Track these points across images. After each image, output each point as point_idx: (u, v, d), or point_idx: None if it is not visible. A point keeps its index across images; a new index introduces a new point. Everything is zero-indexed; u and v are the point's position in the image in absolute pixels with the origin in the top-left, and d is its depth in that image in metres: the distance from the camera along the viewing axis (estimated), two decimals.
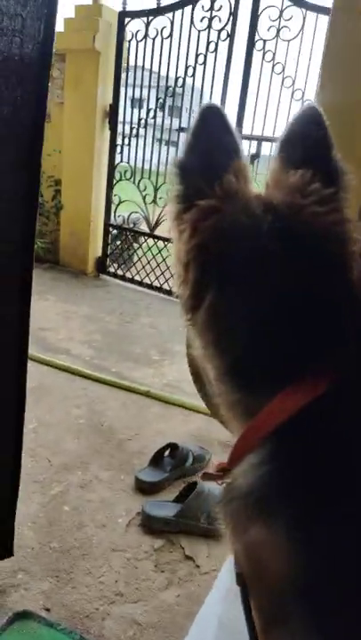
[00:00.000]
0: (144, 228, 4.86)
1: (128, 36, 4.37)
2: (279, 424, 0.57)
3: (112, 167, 4.75)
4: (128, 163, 4.66)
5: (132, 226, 5.00)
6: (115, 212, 4.93)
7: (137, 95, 4.52)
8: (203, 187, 0.63)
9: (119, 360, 3.22)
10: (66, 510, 1.85)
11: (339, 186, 0.64)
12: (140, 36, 4.26)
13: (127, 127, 4.64)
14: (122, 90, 4.53)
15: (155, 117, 4.43)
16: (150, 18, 4.19)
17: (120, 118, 4.64)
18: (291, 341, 0.60)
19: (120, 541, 1.75)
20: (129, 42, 4.37)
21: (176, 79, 4.21)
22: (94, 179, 4.75)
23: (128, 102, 4.60)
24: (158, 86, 4.36)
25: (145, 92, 4.46)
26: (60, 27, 4.54)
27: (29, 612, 1.43)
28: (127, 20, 4.34)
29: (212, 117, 0.66)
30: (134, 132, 4.55)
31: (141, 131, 4.52)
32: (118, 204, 4.88)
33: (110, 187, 4.82)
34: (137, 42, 4.29)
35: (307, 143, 0.66)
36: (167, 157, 4.54)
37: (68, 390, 2.77)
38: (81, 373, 2.93)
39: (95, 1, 4.49)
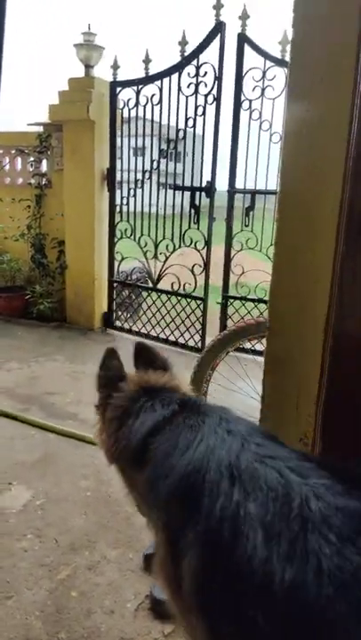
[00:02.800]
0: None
1: (120, 104, 4.59)
2: None
3: (112, 226, 4.89)
4: (128, 221, 4.80)
5: (135, 278, 5.10)
6: (118, 269, 5.04)
7: (132, 161, 4.71)
8: (108, 391, 1.29)
9: None
10: (74, 596, 1.82)
11: (169, 369, 1.35)
12: (131, 103, 4.48)
13: (125, 188, 4.82)
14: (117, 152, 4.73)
15: (150, 178, 4.58)
16: (140, 86, 4.41)
17: (119, 178, 4.84)
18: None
19: (129, 629, 1.71)
20: (121, 109, 4.59)
21: (168, 142, 4.38)
22: (96, 238, 4.90)
23: (125, 166, 4.79)
24: (152, 149, 4.53)
25: (138, 159, 4.65)
26: (55, 99, 4.80)
27: None
28: (118, 89, 4.58)
29: (111, 355, 1.35)
30: (132, 192, 4.71)
31: (138, 191, 4.68)
32: (121, 261, 5.00)
33: (112, 244, 4.96)
34: (129, 109, 4.50)
35: (145, 357, 1.38)
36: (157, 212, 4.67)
37: (75, 458, 2.77)
38: (88, 440, 2.93)
39: (87, 73, 4.75)
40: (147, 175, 4.58)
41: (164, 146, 4.45)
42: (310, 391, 1.10)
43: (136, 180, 4.66)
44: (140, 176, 4.63)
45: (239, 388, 2.59)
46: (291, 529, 0.71)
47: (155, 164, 4.52)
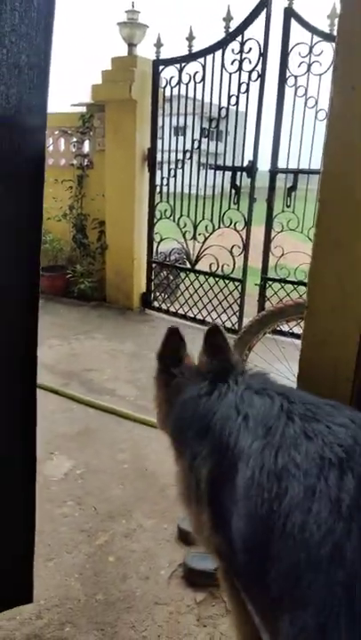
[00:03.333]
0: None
1: (163, 82, 4.56)
2: None
3: (152, 207, 4.91)
4: (167, 202, 4.80)
5: (173, 259, 5.13)
6: (157, 249, 5.08)
7: (172, 141, 4.69)
8: (167, 368, 1.43)
9: None
10: (111, 561, 1.92)
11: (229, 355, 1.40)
12: (174, 82, 4.44)
13: (165, 168, 4.82)
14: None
15: (191, 158, 4.56)
16: (183, 64, 4.36)
17: (159, 158, 4.84)
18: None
19: (163, 594, 1.78)
20: (164, 88, 4.56)
21: (210, 120, 4.34)
22: (136, 218, 4.94)
23: (166, 146, 4.78)
24: (193, 128, 4.49)
25: (179, 138, 4.62)
26: (97, 79, 4.82)
27: None
28: (161, 67, 4.54)
29: (172, 334, 1.44)
30: (172, 172, 4.71)
31: (178, 171, 4.67)
32: (160, 242, 5.03)
33: (151, 225, 4.99)
34: (171, 88, 4.47)
35: (214, 342, 1.41)
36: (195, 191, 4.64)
37: (114, 433, 2.86)
38: (125, 415, 3.02)
39: (130, 52, 4.73)
40: (187, 155, 4.56)
41: (205, 125, 4.41)
42: (347, 371, 1.11)
43: (177, 161, 4.64)
44: (180, 156, 4.61)
45: (276, 370, 2.59)
46: (271, 423, 1.02)
47: (195, 144, 4.49)
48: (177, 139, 4.67)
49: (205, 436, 1.16)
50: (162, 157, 4.87)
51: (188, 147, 4.54)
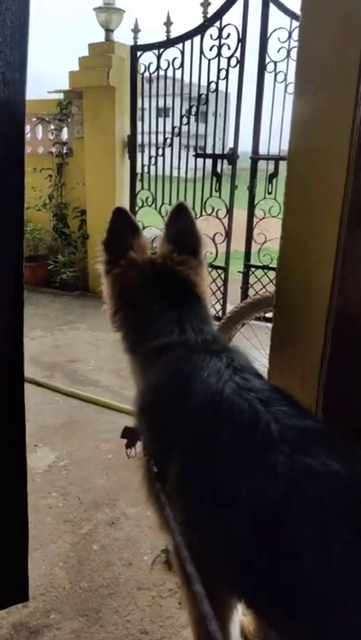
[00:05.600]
0: None
1: (141, 68, 4.51)
2: None
3: (133, 194, 4.89)
4: (149, 190, 4.78)
5: (155, 247, 5.13)
6: None
7: (153, 123, 4.63)
8: (117, 258, 1.31)
9: None
10: (95, 549, 1.97)
11: (195, 252, 1.33)
12: (152, 68, 4.39)
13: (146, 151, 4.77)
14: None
15: (172, 144, 4.54)
16: (161, 50, 4.31)
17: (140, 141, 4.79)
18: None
19: (145, 580, 1.84)
20: (142, 74, 4.51)
21: (190, 107, 4.31)
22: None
23: (146, 128, 4.72)
24: (173, 115, 4.46)
25: (160, 120, 4.58)
26: (75, 66, 4.74)
27: None
28: (139, 53, 4.48)
29: (120, 215, 1.31)
30: (152, 160, 4.68)
31: (160, 157, 4.64)
32: (142, 230, 5.01)
33: (133, 212, 4.96)
34: (150, 74, 4.42)
35: (179, 227, 1.34)
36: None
37: (98, 423, 2.90)
38: (109, 406, 3.06)
39: (107, 37, 4.66)
40: (168, 141, 4.52)
41: (186, 107, 4.36)
42: (314, 366, 1.15)
43: (157, 147, 4.61)
44: (162, 138, 4.56)
45: (254, 359, 2.64)
46: (255, 450, 0.88)
47: (176, 131, 4.46)
48: (157, 120, 4.61)
49: (177, 426, 1.05)
50: (142, 140, 4.80)
51: (170, 129, 4.49)
